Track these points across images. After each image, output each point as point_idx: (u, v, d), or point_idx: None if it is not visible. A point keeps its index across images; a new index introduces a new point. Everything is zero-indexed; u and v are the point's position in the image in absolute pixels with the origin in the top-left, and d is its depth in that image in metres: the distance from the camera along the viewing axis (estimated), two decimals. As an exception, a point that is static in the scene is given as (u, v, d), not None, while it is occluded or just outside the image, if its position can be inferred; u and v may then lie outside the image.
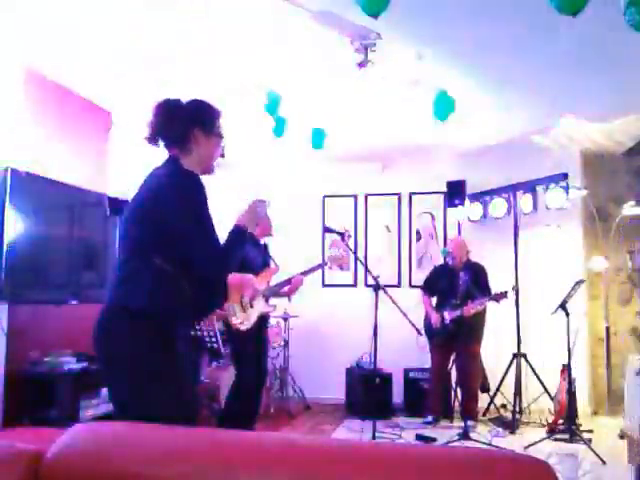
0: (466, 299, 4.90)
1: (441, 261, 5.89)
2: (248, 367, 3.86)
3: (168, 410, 1.78)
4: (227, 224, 2.12)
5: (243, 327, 3.66)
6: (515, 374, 5.03)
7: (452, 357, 5.24)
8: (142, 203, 2.01)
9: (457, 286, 4.95)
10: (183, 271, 1.93)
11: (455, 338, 4.94)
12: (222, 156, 2.20)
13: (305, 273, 4.17)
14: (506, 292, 4.86)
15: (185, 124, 2.07)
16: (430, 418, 5.13)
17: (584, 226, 5.80)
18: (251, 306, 3.76)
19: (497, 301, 4.87)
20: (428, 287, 5.42)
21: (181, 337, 2.02)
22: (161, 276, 1.91)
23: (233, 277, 3.29)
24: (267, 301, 3.99)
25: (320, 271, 6.32)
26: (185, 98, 2.17)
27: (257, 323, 3.80)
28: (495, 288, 4.99)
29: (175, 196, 1.94)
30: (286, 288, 4.11)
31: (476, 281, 5.03)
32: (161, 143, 2.11)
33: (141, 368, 1.86)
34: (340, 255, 4.82)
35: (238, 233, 2.08)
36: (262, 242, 4.10)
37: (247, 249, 3.94)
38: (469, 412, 4.88)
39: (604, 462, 3.87)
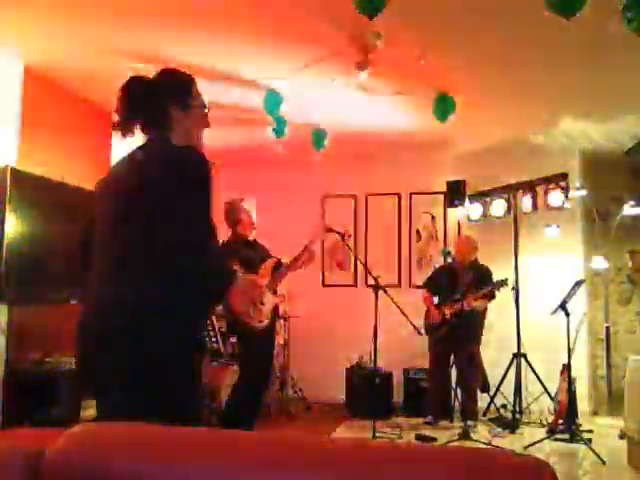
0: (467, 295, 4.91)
1: (441, 261, 5.91)
2: (256, 367, 3.84)
3: (188, 412, 1.72)
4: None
5: (261, 326, 3.64)
6: (515, 374, 5.03)
7: (452, 358, 5.24)
8: (135, 186, 1.74)
9: (459, 285, 4.95)
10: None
11: (454, 337, 4.93)
12: (207, 126, 1.96)
13: (306, 247, 4.02)
14: (506, 279, 4.87)
15: (158, 104, 1.84)
16: (430, 418, 5.12)
17: (584, 226, 5.80)
18: (262, 303, 3.72)
19: (497, 289, 4.89)
20: (430, 286, 5.40)
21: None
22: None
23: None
24: (275, 293, 3.96)
25: (320, 271, 6.36)
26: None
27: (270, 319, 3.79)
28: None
29: (172, 173, 1.70)
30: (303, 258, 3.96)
31: (480, 282, 5.01)
32: (136, 129, 1.85)
33: (174, 371, 1.71)
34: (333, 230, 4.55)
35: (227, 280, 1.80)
36: (251, 239, 4.06)
37: (244, 250, 3.93)
38: (469, 412, 4.88)
39: (604, 462, 3.86)
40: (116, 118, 1.85)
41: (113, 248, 1.79)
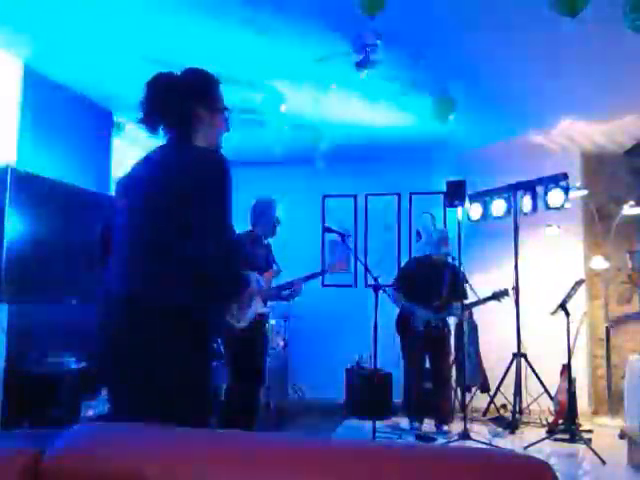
0: (451, 298, 4.73)
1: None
2: (246, 369, 3.83)
3: (199, 413, 1.68)
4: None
5: (239, 325, 3.61)
6: (515, 374, 5.03)
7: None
8: (160, 187, 1.73)
9: (440, 286, 4.76)
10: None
11: (433, 337, 4.77)
12: (227, 130, 1.96)
13: (306, 279, 4.07)
14: (506, 290, 4.81)
15: (185, 103, 1.82)
16: (417, 426, 4.86)
17: (584, 226, 5.80)
18: (248, 305, 3.70)
19: (498, 300, 4.81)
20: (402, 284, 4.97)
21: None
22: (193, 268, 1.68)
23: None
24: (265, 303, 3.95)
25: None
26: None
27: (254, 324, 3.75)
28: (495, 288, 4.96)
29: (205, 178, 1.69)
30: (287, 292, 4.05)
31: (458, 281, 4.75)
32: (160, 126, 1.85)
33: (184, 371, 1.67)
34: (339, 261, 4.68)
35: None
36: (265, 242, 4.09)
37: (253, 248, 3.94)
38: (445, 414, 4.81)
39: (604, 462, 3.86)
40: (140, 114, 1.83)
41: (131, 247, 1.78)
